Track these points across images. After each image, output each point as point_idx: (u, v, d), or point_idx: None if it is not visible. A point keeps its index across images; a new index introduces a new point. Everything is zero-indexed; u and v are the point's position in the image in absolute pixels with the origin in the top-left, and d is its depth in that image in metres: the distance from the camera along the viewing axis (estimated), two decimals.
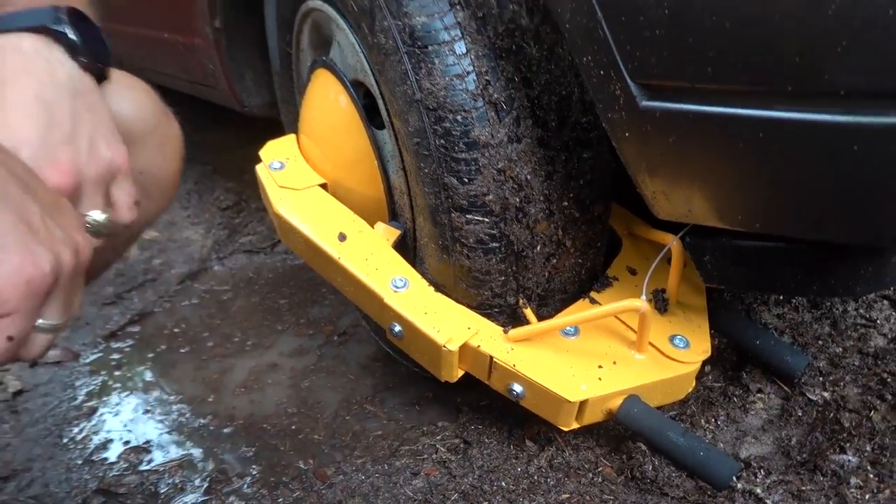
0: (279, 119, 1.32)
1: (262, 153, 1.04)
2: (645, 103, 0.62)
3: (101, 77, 0.57)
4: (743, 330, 0.88)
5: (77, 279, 0.46)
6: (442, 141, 0.75)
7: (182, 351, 1.22)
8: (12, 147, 0.47)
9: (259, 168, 1.02)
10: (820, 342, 0.93)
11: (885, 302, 0.99)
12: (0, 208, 0.39)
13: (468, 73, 0.73)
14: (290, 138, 1.07)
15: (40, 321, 0.43)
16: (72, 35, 0.53)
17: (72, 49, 0.53)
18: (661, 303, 0.86)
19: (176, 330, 1.30)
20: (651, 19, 0.56)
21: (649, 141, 0.64)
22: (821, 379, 0.87)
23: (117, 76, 0.62)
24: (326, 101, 0.99)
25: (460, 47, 0.73)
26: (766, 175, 0.58)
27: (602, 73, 0.63)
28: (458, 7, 0.74)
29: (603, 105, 0.66)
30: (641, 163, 0.67)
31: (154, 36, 1.45)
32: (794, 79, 0.51)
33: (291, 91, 1.21)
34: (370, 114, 0.93)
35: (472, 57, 0.73)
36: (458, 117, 0.74)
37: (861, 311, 0.97)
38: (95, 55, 0.55)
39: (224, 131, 2.32)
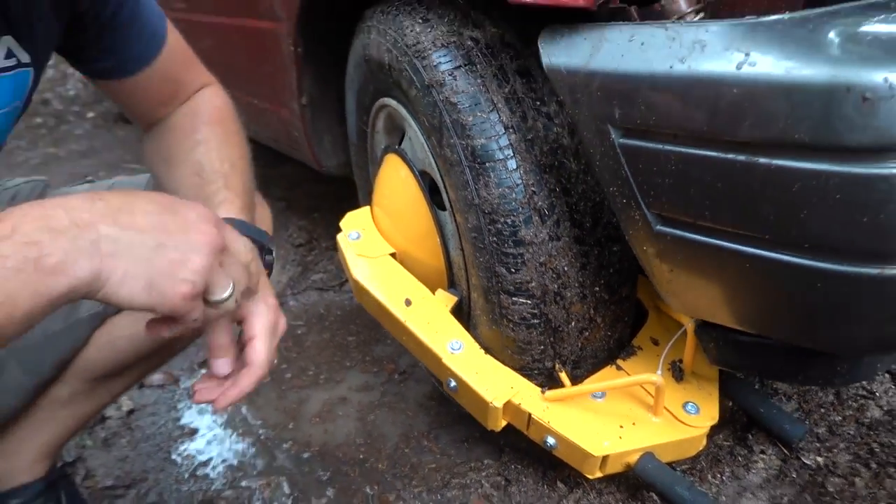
0: (352, 177, 1.51)
1: (343, 224, 1.23)
2: (658, 227, 0.77)
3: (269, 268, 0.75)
4: (749, 398, 1.02)
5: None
6: (494, 238, 0.92)
7: (264, 381, 1.42)
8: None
9: (339, 237, 1.21)
10: (822, 410, 1.06)
11: (887, 375, 1.11)
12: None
13: (517, 185, 0.90)
14: (365, 210, 1.26)
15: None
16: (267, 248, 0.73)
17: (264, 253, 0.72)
18: (677, 372, 1.01)
19: None
20: (662, 170, 0.72)
21: (662, 256, 0.79)
22: (817, 444, 1.00)
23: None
24: (397, 183, 1.17)
25: (512, 164, 0.90)
26: (750, 293, 0.73)
27: (624, 201, 0.79)
28: (510, 130, 0.91)
29: (624, 224, 0.81)
30: (656, 270, 0.82)
31: (251, 101, 1.67)
32: (769, 230, 0.66)
33: (365, 160, 1.39)
34: (434, 196, 1.11)
35: (522, 172, 0.90)
36: (509, 220, 0.91)
37: (864, 383, 1.09)
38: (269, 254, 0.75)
39: (295, 166, 2.53)
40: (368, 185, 1.38)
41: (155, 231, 0.49)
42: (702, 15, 0.74)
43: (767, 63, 0.61)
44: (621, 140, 0.75)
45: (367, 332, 1.56)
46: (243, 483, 1.14)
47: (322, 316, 1.67)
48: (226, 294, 0.53)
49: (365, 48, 1.14)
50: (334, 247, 1.99)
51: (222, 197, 0.76)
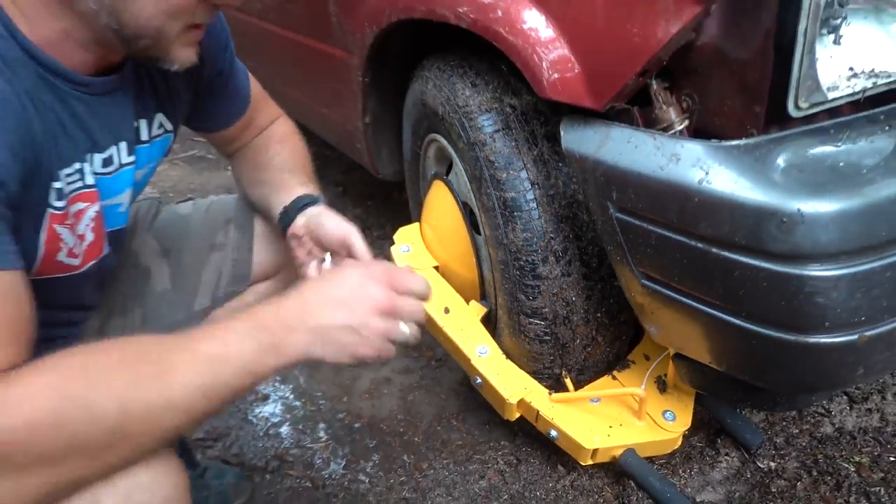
0: (403, 183, 1.74)
1: (396, 237, 1.47)
2: (643, 281, 0.99)
3: None
4: (719, 409, 1.24)
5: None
6: (517, 271, 1.15)
7: (309, 367, 1.69)
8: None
9: (392, 249, 1.45)
10: (784, 423, 1.27)
11: (845, 397, 1.31)
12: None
13: (539, 231, 1.12)
14: (414, 227, 1.50)
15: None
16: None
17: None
18: (661, 385, 1.23)
19: None
20: (646, 242, 0.94)
21: (645, 301, 1.01)
22: (773, 452, 1.22)
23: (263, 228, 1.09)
24: (443, 207, 1.40)
25: (535, 214, 1.12)
26: (709, 339, 0.95)
27: (618, 258, 1.01)
28: (536, 186, 1.12)
29: (618, 273, 1.03)
30: (641, 310, 1.04)
31: (321, 111, 1.91)
32: (719, 299, 0.88)
33: (416, 176, 1.62)
34: (472, 221, 1.34)
35: (543, 220, 1.12)
36: (530, 259, 1.13)
37: (824, 402, 1.30)
38: None
39: None
40: (418, 199, 1.61)
41: (344, 318, 0.70)
42: (686, 123, 0.94)
43: (720, 181, 0.81)
44: (617, 214, 0.96)
45: None
46: (307, 444, 1.42)
47: None
48: (406, 331, 0.74)
49: (422, 94, 1.36)
50: (385, 236, 2.24)
51: (301, 182, 1.02)
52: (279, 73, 2.14)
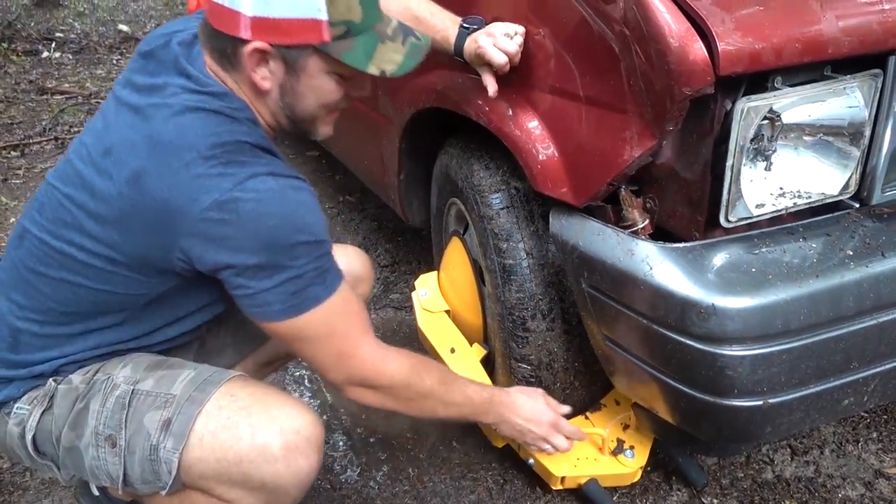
0: (429, 229, 2.01)
1: (417, 283, 1.74)
2: (607, 342, 1.24)
3: None
4: (672, 450, 1.46)
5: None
6: (510, 323, 1.40)
7: None
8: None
9: (413, 294, 1.72)
10: (732, 466, 1.49)
11: (788, 449, 1.52)
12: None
13: (530, 293, 1.38)
14: (433, 274, 1.76)
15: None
16: None
17: None
18: (625, 427, 1.47)
19: None
20: (607, 312, 1.18)
21: (608, 358, 1.26)
22: (718, 490, 1.44)
23: (350, 250, 1.39)
24: (458, 261, 1.66)
25: (528, 279, 1.38)
26: (653, 394, 1.19)
27: (589, 321, 1.26)
28: (530, 256, 1.38)
29: (588, 332, 1.28)
30: (605, 364, 1.29)
31: (363, 161, 2.20)
32: (658, 363, 1.12)
33: (440, 228, 1.89)
34: (480, 276, 1.59)
35: (534, 284, 1.38)
36: (521, 315, 1.38)
37: (770, 452, 1.52)
38: None
39: None
40: (440, 248, 1.88)
41: (529, 424, 1.27)
42: (648, 221, 1.18)
43: (661, 275, 1.06)
44: (587, 288, 1.21)
45: (425, 351, 2.06)
46: (328, 451, 1.68)
47: (395, 331, 2.19)
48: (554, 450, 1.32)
49: (447, 166, 1.63)
50: (412, 271, 2.51)
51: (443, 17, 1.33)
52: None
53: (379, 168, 2.07)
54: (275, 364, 1.54)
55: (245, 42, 0.96)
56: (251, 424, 1.02)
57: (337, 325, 1.04)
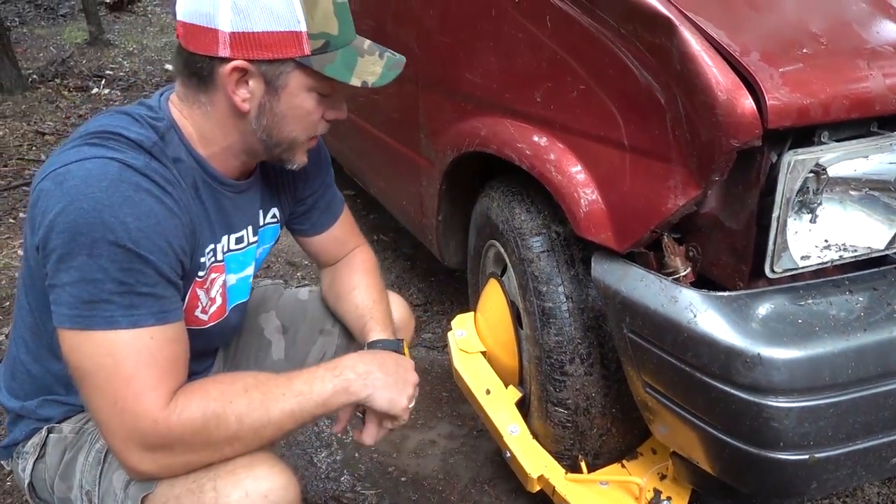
0: (464, 270, 2.03)
1: (453, 323, 1.75)
2: (647, 389, 1.23)
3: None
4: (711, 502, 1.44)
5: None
6: (548, 367, 1.41)
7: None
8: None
9: (450, 333, 1.73)
10: None
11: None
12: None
13: (569, 337, 1.38)
14: (469, 315, 1.77)
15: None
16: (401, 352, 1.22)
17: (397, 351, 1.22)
18: (663, 476, 1.44)
19: None
20: (648, 358, 1.18)
21: (647, 405, 1.25)
22: None
23: (395, 298, 1.37)
24: (495, 302, 1.67)
25: (567, 323, 1.38)
26: (695, 444, 1.17)
27: (629, 368, 1.25)
28: (570, 300, 1.39)
29: (628, 378, 1.28)
30: (644, 411, 1.28)
31: (403, 204, 2.24)
32: (701, 413, 1.11)
33: (476, 269, 1.91)
34: (518, 318, 1.60)
35: (573, 328, 1.38)
36: (560, 358, 1.39)
37: None
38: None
39: None
40: (476, 289, 1.89)
41: (396, 375, 1.06)
42: (690, 269, 1.19)
43: (704, 323, 1.06)
44: (629, 334, 1.21)
45: (457, 392, 2.06)
46: (360, 489, 1.68)
47: (426, 370, 2.19)
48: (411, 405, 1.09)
49: (488, 208, 1.66)
50: (444, 311, 2.52)
51: (371, 326, 1.27)
52: (371, 163, 2.50)
53: (417, 209, 2.11)
54: None
55: (224, 61, 0.94)
56: (216, 488, 0.91)
57: (125, 364, 0.86)
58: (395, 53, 1.08)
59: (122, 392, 0.86)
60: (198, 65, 0.96)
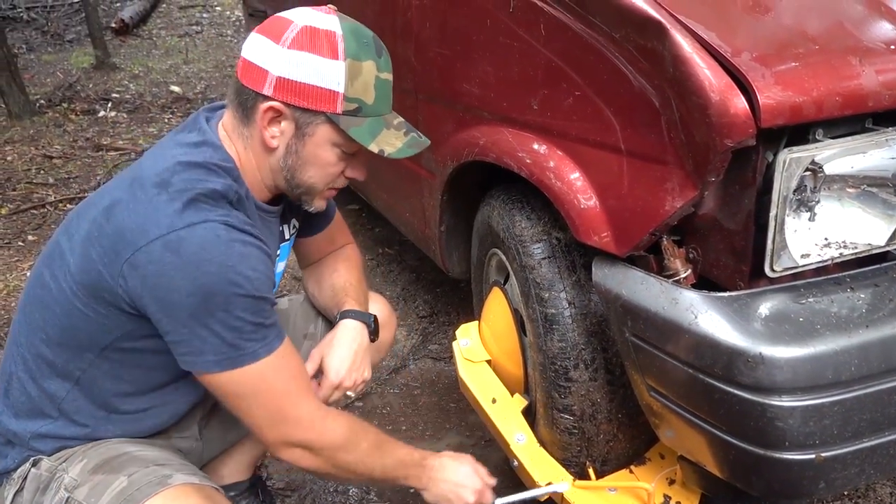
0: (470, 280, 2.03)
1: (458, 332, 1.75)
2: (651, 392, 1.23)
3: (374, 337, 1.33)
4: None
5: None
6: (553, 373, 1.40)
7: (387, 428, 1.96)
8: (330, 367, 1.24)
9: (454, 343, 1.73)
10: None
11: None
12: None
13: (573, 342, 1.38)
14: (474, 324, 1.77)
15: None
16: (371, 326, 1.29)
17: (370, 329, 1.28)
18: (671, 481, 1.43)
19: (384, 411, 2.05)
20: (650, 361, 1.18)
21: (651, 408, 1.25)
22: None
23: (377, 297, 1.42)
24: (498, 311, 1.67)
25: (570, 328, 1.38)
26: (701, 444, 1.17)
27: (632, 371, 1.25)
28: (572, 305, 1.39)
29: (632, 382, 1.27)
30: (648, 414, 1.27)
31: (405, 215, 2.25)
32: (705, 414, 1.11)
33: (480, 278, 1.91)
34: (522, 325, 1.60)
35: (576, 334, 1.38)
36: (564, 364, 1.39)
37: None
38: (375, 331, 1.30)
39: None
40: (480, 298, 1.89)
41: (458, 489, 1.26)
42: (690, 272, 1.19)
43: (705, 324, 1.06)
44: (630, 337, 1.21)
45: (465, 402, 2.05)
46: (368, 501, 1.68)
47: (433, 381, 2.19)
48: None
49: (488, 217, 1.66)
50: (450, 322, 2.52)
51: (345, 300, 1.36)
52: (374, 177, 2.51)
53: (420, 220, 2.12)
54: None
55: (264, 98, 1.05)
56: None
57: (275, 383, 1.05)
58: (422, 136, 1.19)
59: (281, 406, 1.06)
60: (244, 96, 1.08)
